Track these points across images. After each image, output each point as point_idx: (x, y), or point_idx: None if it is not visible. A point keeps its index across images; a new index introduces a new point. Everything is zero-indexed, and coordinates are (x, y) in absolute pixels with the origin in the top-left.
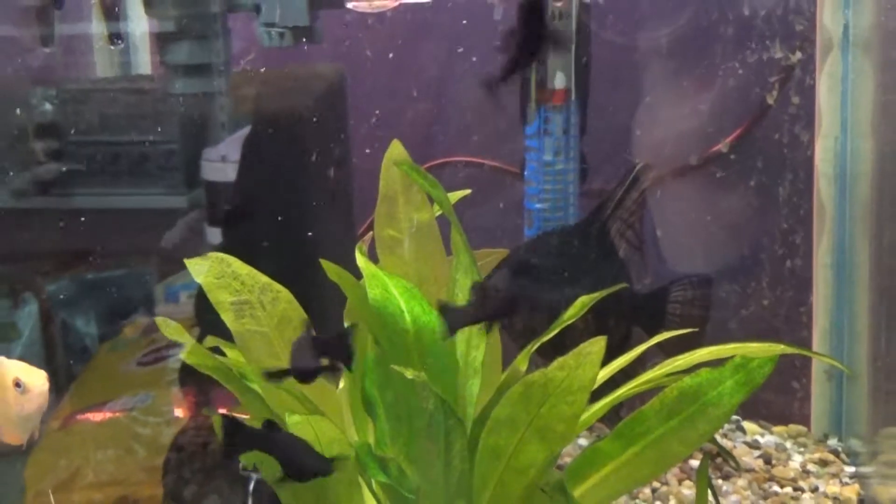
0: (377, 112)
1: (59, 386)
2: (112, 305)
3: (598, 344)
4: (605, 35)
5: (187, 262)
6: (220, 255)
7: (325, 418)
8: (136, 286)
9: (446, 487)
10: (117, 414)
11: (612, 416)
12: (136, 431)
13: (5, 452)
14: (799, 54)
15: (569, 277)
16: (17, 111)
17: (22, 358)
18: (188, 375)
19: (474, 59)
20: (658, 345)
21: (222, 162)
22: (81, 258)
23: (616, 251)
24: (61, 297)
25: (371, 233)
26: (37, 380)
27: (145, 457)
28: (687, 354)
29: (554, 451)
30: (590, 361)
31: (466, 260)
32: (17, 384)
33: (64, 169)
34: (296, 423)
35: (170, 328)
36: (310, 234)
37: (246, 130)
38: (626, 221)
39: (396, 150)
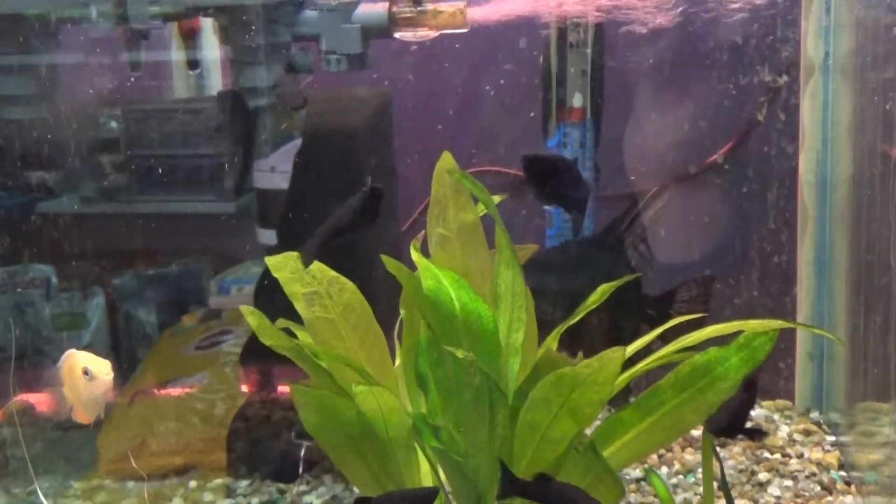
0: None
1: (123, 367)
2: (171, 297)
3: (619, 352)
4: (616, 62)
5: (268, 259)
6: (296, 254)
7: (386, 390)
8: (192, 280)
9: (490, 452)
10: (178, 391)
11: (619, 398)
12: (194, 407)
13: (81, 425)
14: (785, 77)
15: (587, 279)
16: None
17: (90, 344)
18: (250, 356)
19: (502, 81)
20: (662, 337)
21: (272, 172)
22: (143, 256)
23: (629, 260)
24: (125, 290)
25: (424, 231)
26: (103, 368)
27: (204, 429)
28: (695, 333)
29: (582, 427)
30: (612, 363)
31: (509, 254)
32: (86, 372)
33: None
34: (361, 393)
35: (252, 315)
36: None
37: (294, 143)
38: (640, 236)
39: (447, 159)
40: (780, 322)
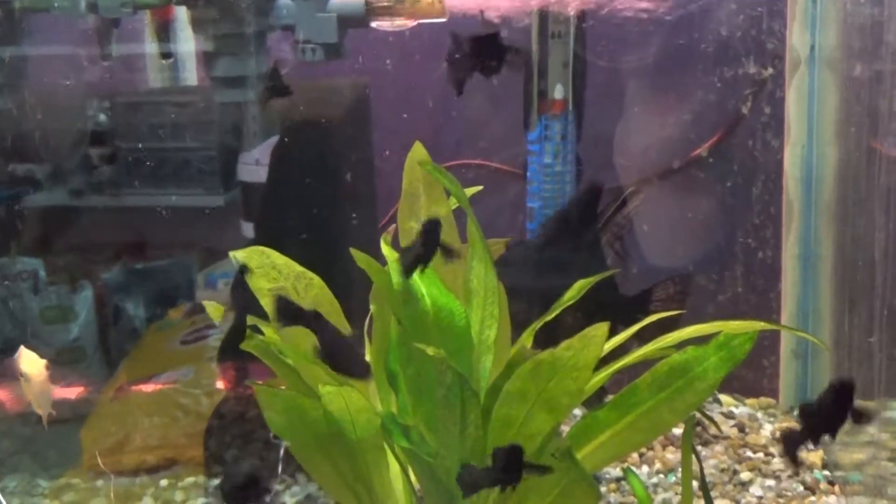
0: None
1: (110, 360)
2: (158, 291)
3: (601, 328)
4: (598, 53)
5: (232, 253)
6: (261, 248)
7: (355, 390)
8: (180, 274)
9: (462, 452)
10: (163, 386)
11: (593, 399)
12: (179, 402)
13: (63, 419)
14: (770, 70)
15: (562, 276)
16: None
17: (78, 338)
18: (227, 352)
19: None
20: (638, 336)
21: (256, 165)
22: (132, 249)
23: (604, 258)
24: (114, 283)
25: (394, 225)
26: (34, 368)
27: (187, 424)
28: (675, 333)
29: (559, 420)
30: (594, 343)
31: (481, 248)
32: (21, 374)
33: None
34: (328, 394)
35: (213, 309)
36: (337, 226)
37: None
38: (616, 235)
39: (419, 151)
40: (760, 324)
